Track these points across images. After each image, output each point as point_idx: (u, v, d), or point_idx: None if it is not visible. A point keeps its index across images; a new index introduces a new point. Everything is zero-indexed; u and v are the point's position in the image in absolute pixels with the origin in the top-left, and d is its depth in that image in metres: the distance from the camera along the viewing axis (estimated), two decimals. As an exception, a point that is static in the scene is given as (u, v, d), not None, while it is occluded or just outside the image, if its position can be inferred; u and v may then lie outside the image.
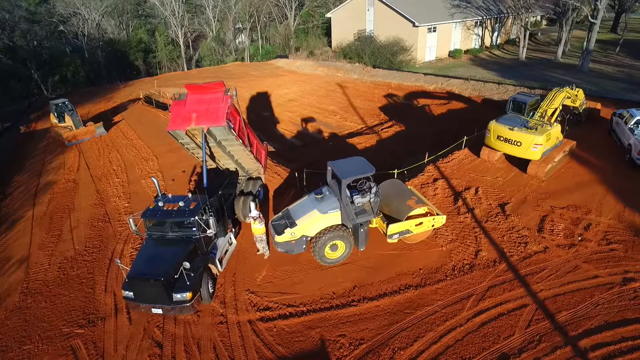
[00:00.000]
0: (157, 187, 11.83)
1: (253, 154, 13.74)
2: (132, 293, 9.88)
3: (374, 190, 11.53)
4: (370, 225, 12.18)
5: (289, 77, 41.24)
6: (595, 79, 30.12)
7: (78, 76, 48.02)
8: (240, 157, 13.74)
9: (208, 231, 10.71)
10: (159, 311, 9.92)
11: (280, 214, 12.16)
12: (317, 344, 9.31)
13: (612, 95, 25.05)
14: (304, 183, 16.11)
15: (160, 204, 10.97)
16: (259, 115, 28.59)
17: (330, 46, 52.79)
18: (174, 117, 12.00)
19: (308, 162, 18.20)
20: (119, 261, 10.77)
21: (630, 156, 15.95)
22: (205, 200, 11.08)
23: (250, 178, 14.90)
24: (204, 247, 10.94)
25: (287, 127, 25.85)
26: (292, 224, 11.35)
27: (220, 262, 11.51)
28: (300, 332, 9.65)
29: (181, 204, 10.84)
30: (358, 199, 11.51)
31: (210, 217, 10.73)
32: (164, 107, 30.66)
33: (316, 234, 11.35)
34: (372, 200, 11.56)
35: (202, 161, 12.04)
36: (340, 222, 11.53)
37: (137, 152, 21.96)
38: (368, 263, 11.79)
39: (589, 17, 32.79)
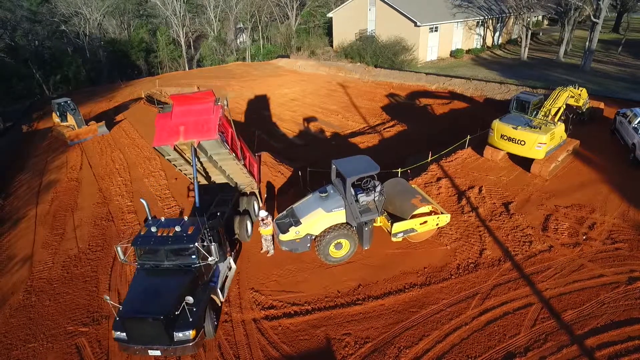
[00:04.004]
0: (147, 210, 10.54)
1: (246, 167, 12.84)
2: (124, 334, 8.62)
3: (378, 188, 11.53)
4: (374, 224, 12.16)
5: (290, 76, 41.16)
6: (598, 78, 30.10)
7: (79, 76, 47.90)
8: (232, 171, 12.80)
9: (210, 258, 9.59)
10: (157, 353, 8.73)
11: (284, 212, 12.15)
12: (322, 343, 9.30)
13: (615, 94, 25.02)
14: (308, 182, 16.10)
15: (153, 229, 9.63)
16: (261, 114, 28.57)
17: (331, 46, 52.76)
18: (160, 131, 10.68)
19: (310, 161, 18.19)
20: (107, 298, 8.84)
21: (634, 155, 15.92)
22: (205, 223, 9.81)
23: (244, 194, 13.93)
24: (204, 276, 9.76)
25: (289, 126, 25.83)
26: (297, 223, 11.33)
27: (222, 290, 10.41)
28: (305, 331, 9.64)
29: (177, 228, 9.51)
30: (363, 198, 11.51)
31: (212, 243, 9.62)
32: (165, 106, 30.62)
33: (321, 233, 11.35)
34: (376, 198, 11.55)
35: (193, 178, 10.88)
36: (344, 221, 11.52)
37: (139, 151, 21.94)
38: (372, 262, 11.79)
39: (591, 17, 32.77)
